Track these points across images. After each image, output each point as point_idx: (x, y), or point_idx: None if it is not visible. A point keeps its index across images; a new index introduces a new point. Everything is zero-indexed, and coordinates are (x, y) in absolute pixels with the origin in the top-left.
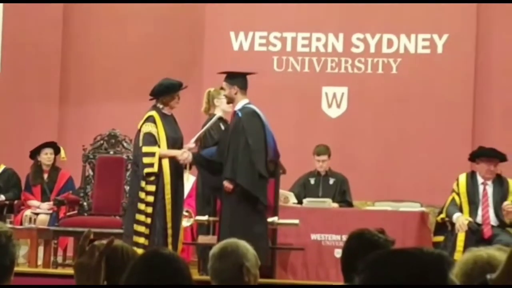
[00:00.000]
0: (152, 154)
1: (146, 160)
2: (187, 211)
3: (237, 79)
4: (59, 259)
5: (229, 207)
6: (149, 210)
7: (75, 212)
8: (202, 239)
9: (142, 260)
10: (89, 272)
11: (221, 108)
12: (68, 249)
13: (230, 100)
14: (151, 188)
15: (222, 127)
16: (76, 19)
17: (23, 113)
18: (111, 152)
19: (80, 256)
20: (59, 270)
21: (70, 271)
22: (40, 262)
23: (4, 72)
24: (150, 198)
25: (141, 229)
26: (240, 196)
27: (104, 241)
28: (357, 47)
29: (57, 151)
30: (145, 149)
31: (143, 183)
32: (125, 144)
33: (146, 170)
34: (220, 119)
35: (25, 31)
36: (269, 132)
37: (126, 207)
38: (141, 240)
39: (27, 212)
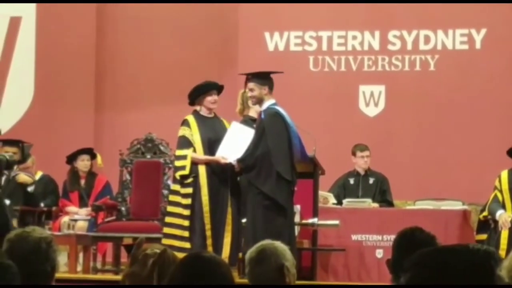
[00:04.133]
0: (183, 157)
1: (178, 163)
2: None
3: (267, 79)
4: (99, 265)
5: (250, 209)
6: (187, 212)
7: (113, 217)
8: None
9: (183, 264)
10: (141, 282)
11: (255, 110)
12: (107, 255)
13: (259, 101)
14: (188, 190)
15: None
16: (109, 25)
17: (59, 119)
18: (148, 156)
19: (132, 265)
20: (99, 276)
21: (109, 276)
22: (79, 268)
23: (39, 79)
24: (187, 201)
25: (180, 232)
26: (261, 198)
27: (157, 250)
28: (394, 44)
29: (93, 156)
30: (177, 152)
31: (176, 186)
32: (162, 148)
33: (179, 173)
34: (253, 120)
35: (59, 38)
36: (295, 134)
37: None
38: (181, 243)
39: (65, 219)
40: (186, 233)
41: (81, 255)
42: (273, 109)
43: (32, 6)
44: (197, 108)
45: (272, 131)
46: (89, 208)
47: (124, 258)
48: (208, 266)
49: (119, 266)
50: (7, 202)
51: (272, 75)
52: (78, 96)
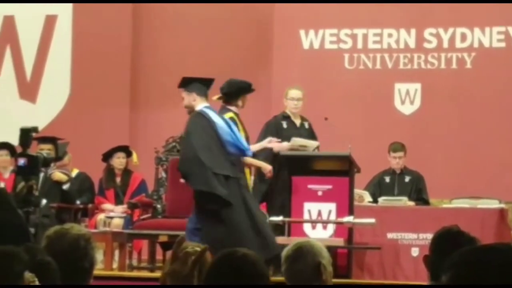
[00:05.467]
0: None
1: None
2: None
3: (194, 86)
4: (134, 262)
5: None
6: None
7: (149, 215)
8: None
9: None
10: (182, 280)
11: (288, 108)
12: (142, 252)
13: (191, 109)
14: None
15: (285, 126)
16: (145, 23)
17: (94, 117)
18: None
19: (173, 263)
20: (135, 273)
21: (145, 274)
22: (115, 265)
23: (75, 77)
24: None
25: None
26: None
27: (198, 248)
28: (430, 42)
29: (129, 154)
30: None
31: None
32: None
33: None
34: (286, 117)
35: (95, 36)
36: (224, 131)
37: None
38: None
39: (101, 216)
40: None
41: (116, 252)
42: (198, 111)
43: (69, 4)
44: (231, 106)
45: (195, 131)
46: (125, 206)
47: (159, 255)
48: (242, 263)
49: (155, 264)
50: (44, 201)
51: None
52: (114, 94)
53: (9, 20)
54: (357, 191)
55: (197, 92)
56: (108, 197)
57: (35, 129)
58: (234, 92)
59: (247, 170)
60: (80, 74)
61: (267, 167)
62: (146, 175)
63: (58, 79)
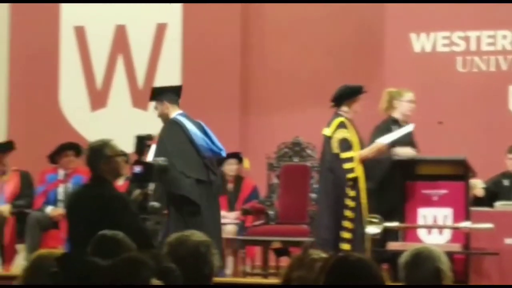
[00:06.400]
0: (351, 160)
1: (346, 165)
2: (375, 217)
3: (163, 94)
4: (248, 268)
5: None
6: (353, 215)
7: (262, 221)
8: (392, 245)
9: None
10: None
11: (400, 111)
12: (256, 258)
13: (165, 117)
14: (353, 193)
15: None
16: (254, 25)
17: (204, 121)
18: (296, 160)
19: (299, 268)
20: (248, 279)
21: (258, 280)
22: (229, 271)
23: (185, 83)
24: (353, 204)
25: (347, 235)
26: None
27: (323, 254)
28: None
29: (240, 160)
30: (344, 155)
31: (347, 189)
32: (309, 152)
33: (349, 175)
34: (395, 121)
35: (204, 41)
36: (198, 137)
37: (314, 215)
38: (347, 246)
39: None
40: (352, 236)
41: (230, 258)
42: (171, 119)
43: (178, 11)
44: (342, 111)
45: (166, 138)
46: (237, 212)
47: (272, 261)
48: (356, 267)
49: (268, 270)
50: (157, 205)
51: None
52: (224, 99)
53: (121, 30)
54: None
55: (168, 100)
56: (220, 204)
57: (149, 137)
58: (342, 97)
59: None
60: (190, 80)
61: (379, 144)
62: (258, 180)
63: None
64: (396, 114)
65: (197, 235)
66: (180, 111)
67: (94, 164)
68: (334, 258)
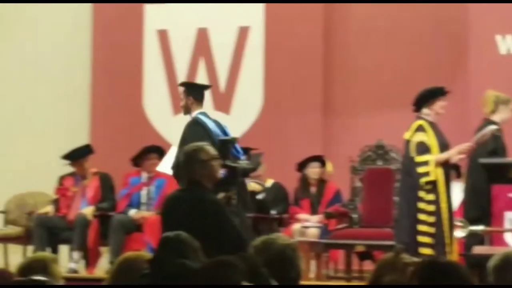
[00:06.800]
0: (426, 163)
1: (421, 169)
2: (461, 221)
3: (193, 90)
4: (331, 272)
5: None
6: (432, 219)
7: (345, 224)
8: (478, 249)
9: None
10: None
11: (501, 116)
12: (339, 262)
13: (187, 110)
14: (431, 197)
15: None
16: (337, 26)
17: (287, 127)
18: (379, 163)
19: (391, 272)
20: (332, 283)
21: (342, 283)
22: (312, 275)
23: (267, 86)
24: (432, 208)
25: (426, 239)
26: None
27: (414, 258)
28: None
29: (323, 164)
30: (419, 158)
31: (421, 193)
32: (392, 155)
33: (423, 179)
34: (492, 124)
35: (286, 43)
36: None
37: (397, 218)
38: (428, 251)
39: (297, 226)
40: (432, 241)
41: (313, 262)
42: (194, 118)
43: (260, 13)
44: (424, 114)
45: (189, 139)
46: (321, 215)
47: (355, 265)
48: (447, 271)
49: (351, 274)
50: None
51: None
52: (307, 102)
53: (203, 33)
54: None
55: (194, 96)
56: (303, 207)
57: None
58: (422, 100)
59: None
60: (272, 84)
61: (456, 151)
62: (341, 184)
63: (251, 89)
64: (497, 118)
65: (283, 238)
66: (202, 110)
67: (190, 168)
68: (425, 262)
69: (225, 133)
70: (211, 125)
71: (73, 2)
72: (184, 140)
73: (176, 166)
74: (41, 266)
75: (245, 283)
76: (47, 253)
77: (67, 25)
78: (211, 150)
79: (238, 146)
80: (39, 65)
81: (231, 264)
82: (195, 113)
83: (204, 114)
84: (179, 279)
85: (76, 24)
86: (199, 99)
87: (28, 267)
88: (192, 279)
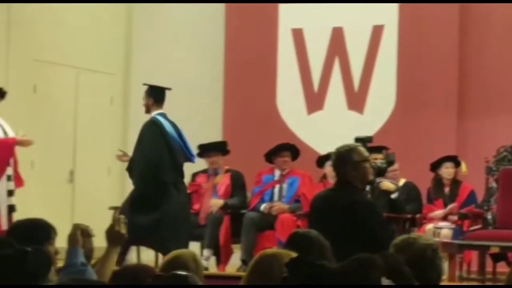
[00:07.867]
0: None
1: None
2: None
3: (154, 92)
4: (464, 273)
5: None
6: None
7: (479, 226)
8: None
9: None
10: None
11: None
12: (472, 264)
13: (147, 110)
14: None
15: None
16: (474, 25)
17: (420, 125)
18: None
19: None
20: (465, 284)
21: (475, 284)
22: (444, 276)
23: (400, 85)
24: None
25: None
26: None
27: None
28: None
29: (457, 164)
30: None
31: None
32: None
33: None
34: None
35: (420, 42)
36: (175, 140)
37: None
38: None
39: (430, 226)
40: None
41: (446, 263)
42: (152, 118)
43: (394, 12)
44: None
45: (145, 138)
46: (454, 216)
47: (489, 267)
48: None
49: (485, 275)
50: None
51: None
52: (441, 101)
53: (338, 32)
54: None
55: (155, 97)
56: (436, 207)
57: (369, 139)
58: None
59: None
60: (406, 82)
61: None
62: (475, 184)
63: (385, 88)
64: None
65: (424, 238)
66: (161, 111)
67: (342, 169)
68: None
69: (180, 135)
70: (167, 126)
71: (207, 2)
72: (140, 138)
73: (130, 161)
74: (183, 262)
75: (384, 280)
76: (188, 250)
77: (202, 24)
78: (364, 152)
79: (190, 147)
80: (178, 68)
81: (369, 261)
82: (154, 113)
83: (163, 115)
84: (318, 280)
85: (210, 23)
86: (159, 101)
87: (170, 264)
88: (330, 279)
